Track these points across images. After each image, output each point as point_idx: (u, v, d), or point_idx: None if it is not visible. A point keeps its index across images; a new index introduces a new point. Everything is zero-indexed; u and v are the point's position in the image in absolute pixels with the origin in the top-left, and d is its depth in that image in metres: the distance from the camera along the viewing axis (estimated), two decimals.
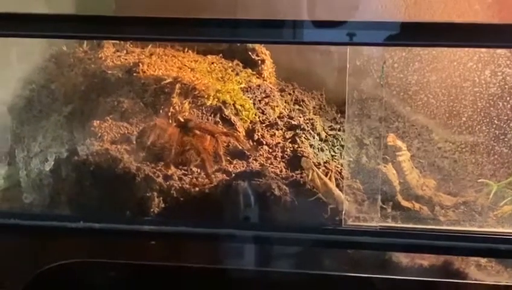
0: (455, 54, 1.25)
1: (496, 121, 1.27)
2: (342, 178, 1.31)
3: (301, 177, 1.30)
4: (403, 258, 1.28)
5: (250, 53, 1.62)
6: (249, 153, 1.40)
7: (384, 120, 1.24)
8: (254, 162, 1.38)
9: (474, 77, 1.25)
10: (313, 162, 1.35)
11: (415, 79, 1.26)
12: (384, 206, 1.27)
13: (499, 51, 1.22)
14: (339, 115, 1.58)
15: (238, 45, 1.64)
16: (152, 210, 1.27)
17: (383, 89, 1.22)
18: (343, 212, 1.25)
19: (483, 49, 1.22)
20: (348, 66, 1.20)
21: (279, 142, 1.44)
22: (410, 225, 1.26)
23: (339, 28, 1.11)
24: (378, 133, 1.24)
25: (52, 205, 1.31)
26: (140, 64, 1.49)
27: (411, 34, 1.12)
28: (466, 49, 1.23)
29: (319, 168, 1.33)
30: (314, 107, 1.61)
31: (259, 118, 1.50)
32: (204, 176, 1.33)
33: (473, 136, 1.29)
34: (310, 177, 1.28)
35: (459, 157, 1.32)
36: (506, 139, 1.28)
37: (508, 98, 1.25)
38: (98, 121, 1.39)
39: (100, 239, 1.29)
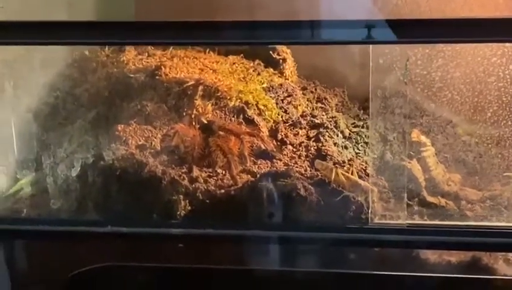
0: (479, 50, 1.24)
1: None
2: (367, 175, 1.31)
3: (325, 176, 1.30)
4: (430, 255, 1.27)
5: (271, 52, 1.62)
6: (273, 153, 1.40)
7: (408, 116, 1.24)
8: (279, 162, 1.38)
9: (498, 72, 1.24)
10: (336, 160, 1.35)
11: (438, 75, 1.25)
12: (410, 202, 1.27)
13: None
14: (362, 112, 1.58)
15: None
16: (179, 213, 1.28)
17: (407, 87, 1.21)
18: (370, 210, 1.24)
19: (507, 44, 1.21)
20: (370, 64, 1.19)
21: (302, 142, 1.44)
22: (437, 222, 1.25)
23: (358, 27, 1.11)
24: (402, 130, 1.24)
25: (79, 210, 1.32)
26: (162, 67, 1.50)
27: (433, 31, 1.12)
28: (490, 44, 1.22)
29: (342, 166, 1.33)
30: (336, 105, 1.61)
31: (282, 117, 1.50)
32: (229, 177, 1.33)
33: (498, 131, 1.28)
34: (333, 177, 1.28)
35: (484, 151, 1.31)
36: None
37: None
38: (122, 125, 1.39)
39: (128, 243, 1.30)
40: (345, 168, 1.32)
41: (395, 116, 1.23)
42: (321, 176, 1.30)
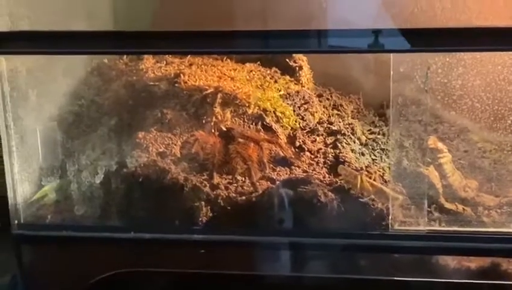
0: (499, 58, 1.25)
1: None
2: (385, 182, 1.32)
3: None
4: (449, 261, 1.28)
5: (287, 60, 1.63)
6: (292, 160, 1.41)
7: (427, 124, 1.25)
8: (297, 168, 1.39)
9: None
10: (354, 166, 1.36)
11: (459, 84, 1.27)
12: (429, 209, 1.28)
13: None
14: (377, 118, 1.59)
15: None
16: (200, 219, 1.30)
17: (427, 95, 1.23)
18: (390, 217, 1.26)
19: None
20: (391, 72, 1.21)
21: (320, 148, 1.45)
22: (455, 228, 1.26)
23: (374, 35, 1.13)
24: (420, 137, 1.25)
25: (103, 216, 1.34)
26: (181, 74, 1.51)
27: (452, 39, 1.13)
28: (510, 52, 1.24)
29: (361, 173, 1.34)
30: (352, 111, 1.62)
31: (299, 124, 1.51)
32: (250, 184, 1.34)
33: None
34: (358, 184, 1.29)
35: (502, 157, 1.32)
36: None
37: None
38: (142, 133, 1.41)
39: (151, 249, 1.31)
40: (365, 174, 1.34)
41: (415, 123, 1.24)
42: (342, 182, 1.31)
